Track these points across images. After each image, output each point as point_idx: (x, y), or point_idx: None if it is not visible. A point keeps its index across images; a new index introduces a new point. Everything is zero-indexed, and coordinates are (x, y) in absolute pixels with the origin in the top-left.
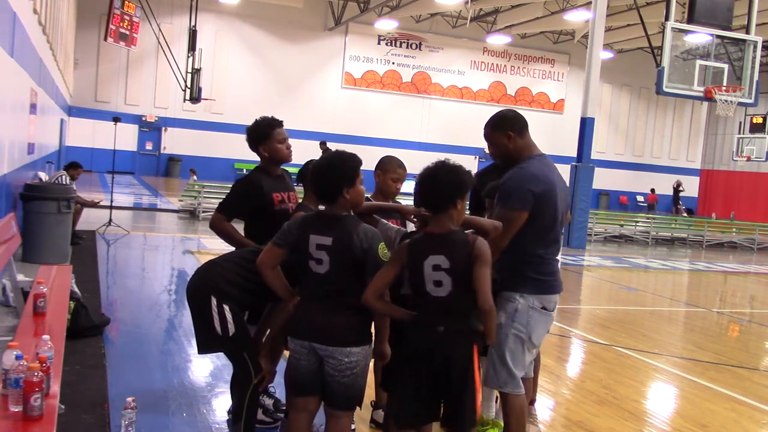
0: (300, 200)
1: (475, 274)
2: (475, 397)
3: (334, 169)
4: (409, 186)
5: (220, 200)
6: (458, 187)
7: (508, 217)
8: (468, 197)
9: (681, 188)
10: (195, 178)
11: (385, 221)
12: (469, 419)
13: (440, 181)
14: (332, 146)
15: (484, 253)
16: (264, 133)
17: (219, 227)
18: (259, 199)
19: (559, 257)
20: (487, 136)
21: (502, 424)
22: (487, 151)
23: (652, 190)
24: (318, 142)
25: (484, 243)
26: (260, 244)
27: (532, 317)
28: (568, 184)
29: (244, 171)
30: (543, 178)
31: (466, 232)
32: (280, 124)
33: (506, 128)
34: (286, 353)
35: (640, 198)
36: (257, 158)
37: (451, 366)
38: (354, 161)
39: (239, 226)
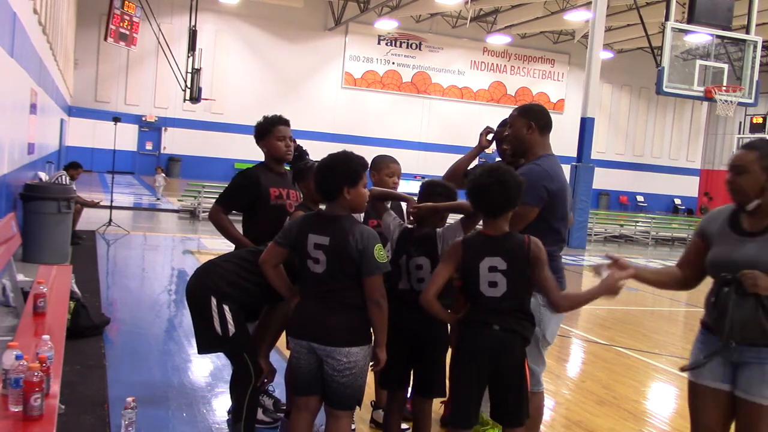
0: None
1: (539, 278)
2: (527, 394)
3: (338, 168)
4: (408, 186)
5: (220, 194)
6: (518, 193)
7: (520, 211)
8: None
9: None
10: (163, 176)
11: (392, 211)
12: (526, 414)
13: (500, 189)
14: (333, 147)
15: (541, 255)
16: (265, 129)
17: (216, 218)
18: (256, 192)
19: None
20: (510, 119)
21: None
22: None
23: (707, 194)
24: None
25: (538, 244)
26: (255, 239)
27: (544, 314)
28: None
29: None
30: (557, 176)
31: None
32: (283, 122)
33: (531, 118)
34: (287, 353)
35: (640, 198)
36: (259, 158)
37: (505, 365)
38: (360, 163)
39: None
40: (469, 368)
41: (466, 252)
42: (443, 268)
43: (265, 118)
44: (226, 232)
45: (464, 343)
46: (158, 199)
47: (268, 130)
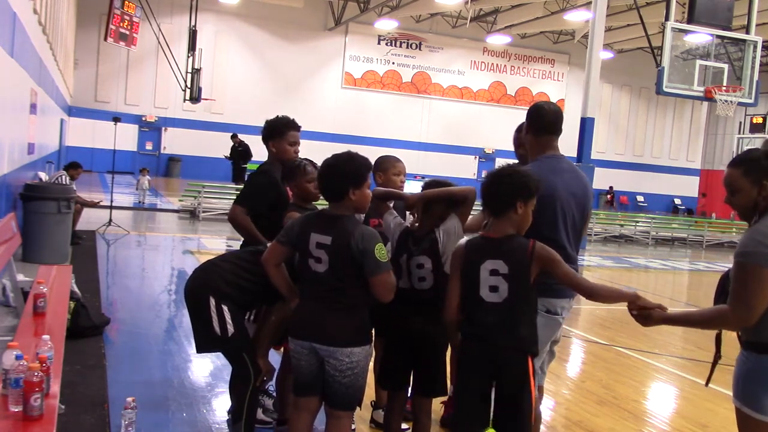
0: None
1: (560, 278)
2: (531, 405)
3: (345, 168)
4: (409, 186)
5: (239, 194)
6: (517, 191)
7: None
8: (531, 203)
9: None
10: (148, 178)
11: (393, 211)
12: (526, 428)
13: (500, 184)
14: (333, 147)
15: (549, 256)
16: (279, 131)
17: (239, 220)
18: (278, 193)
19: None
20: None
21: None
22: (488, 151)
23: (704, 195)
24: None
25: (544, 246)
26: (271, 239)
27: (537, 320)
28: None
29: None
30: (544, 181)
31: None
32: (297, 127)
33: (528, 119)
34: (280, 355)
35: (640, 198)
36: (258, 159)
37: (506, 376)
38: (366, 164)
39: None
40: (470, 381)
41: (467, 255)
42: (453, 281)
43: (278, 119)
44: (250, 234)
45: (464, 356)
46: (142, 202)
47: (282, 132)
